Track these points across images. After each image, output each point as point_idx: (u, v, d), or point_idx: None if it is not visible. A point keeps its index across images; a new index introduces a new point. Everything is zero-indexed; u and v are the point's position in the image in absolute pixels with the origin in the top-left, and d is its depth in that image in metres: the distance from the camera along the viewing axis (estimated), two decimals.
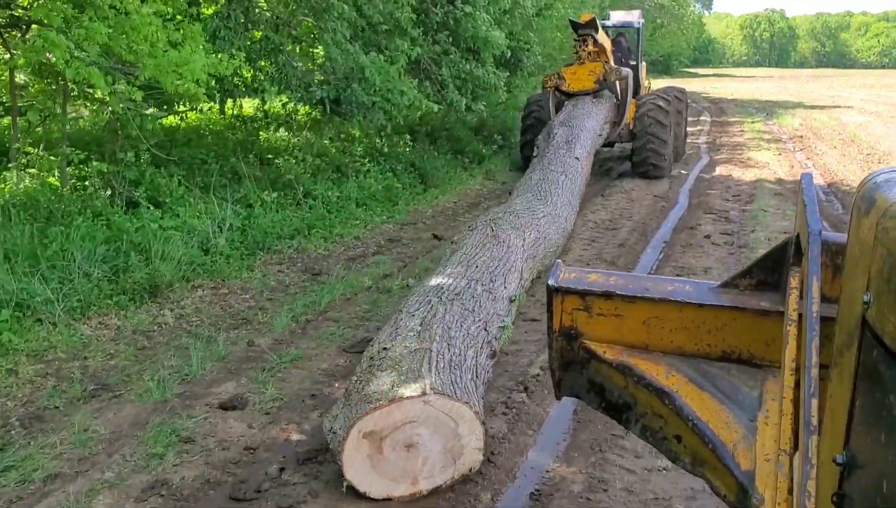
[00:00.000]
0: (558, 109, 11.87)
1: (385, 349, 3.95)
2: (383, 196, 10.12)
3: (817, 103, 33.94)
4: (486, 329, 4.47)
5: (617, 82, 12.14)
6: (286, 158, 9.64)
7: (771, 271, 2.02)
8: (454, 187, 11.67)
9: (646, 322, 2.11)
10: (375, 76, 8.68)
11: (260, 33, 8.31)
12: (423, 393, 3.50)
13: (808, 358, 1.34)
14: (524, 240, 6.24)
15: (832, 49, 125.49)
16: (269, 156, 9.58)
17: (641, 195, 11.49)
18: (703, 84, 49.60)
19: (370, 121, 9.32)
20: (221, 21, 7.97)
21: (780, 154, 16.33)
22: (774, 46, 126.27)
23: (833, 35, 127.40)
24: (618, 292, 2.12)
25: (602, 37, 12.19)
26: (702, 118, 25.51)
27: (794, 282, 1.73)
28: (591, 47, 11.94)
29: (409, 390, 3.51)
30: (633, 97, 12.57)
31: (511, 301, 5.22)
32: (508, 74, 12.25)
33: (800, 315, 1.59)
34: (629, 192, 11.70)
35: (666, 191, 11.86)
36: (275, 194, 8.52)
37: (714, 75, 75.79)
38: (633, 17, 14.85)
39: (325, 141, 10.99)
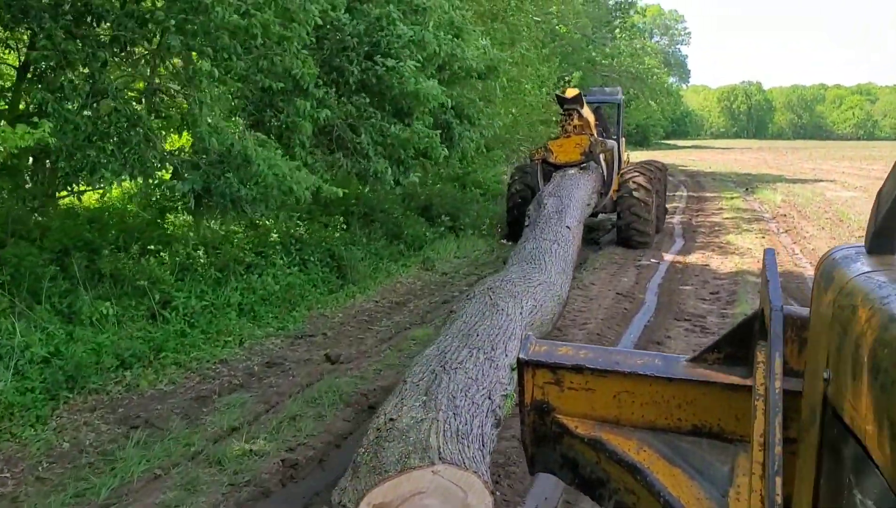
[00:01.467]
0: (546, 180, 12.11)
1: (392, 419, 3.93)
2: (281, 298, 8.18)
3: (798, 177, 32.79)
4: (490, 398, 4.43)
5: (602, 155, 12.47)
6: (150, 254, 7.70)
7: (739, 345, 2.00)
8: (379, 282, 9.77)
9: (616, 396, 2.11)
10: (261, 162, 6.81)
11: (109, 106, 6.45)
12: (433, 463, 3.51)
13: (770, 435, 1.35)
14: (522, 308, 6.20)
15: (808, 121, 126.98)
16: (121, 253, 7.57)
17: (601, 292, 9.64)
18: (680, 156, 48.78)
19: (251, 214, 7.43)
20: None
21: (762, 236, 14.63)
22: (752, 118, 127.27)
23: (809, 107, 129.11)
24: (588, 366, 2.13)
25: (586, 111, 12.71)
26: (678, 193, 24.01)
27: (760, 356, 1.73)
28: (576, 121, 12.48)
29: (418, 459, 3.52)
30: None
31: (513, 370, 5.07)
32: (448, 141, 10.49)
33: (767, 390, 1.60)
34: (587, 288, 9.85)
35: (631, 287, 10.00)
36: (117, 306, 6.54)
37: (693, 147, 75.70)
38: (614, 92, 15.43)
39: (216, 228, 9.07)
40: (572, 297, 9.23)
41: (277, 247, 9.21)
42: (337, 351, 6.96)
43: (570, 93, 12.73)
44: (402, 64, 8.60)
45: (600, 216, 13.99)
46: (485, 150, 15.64)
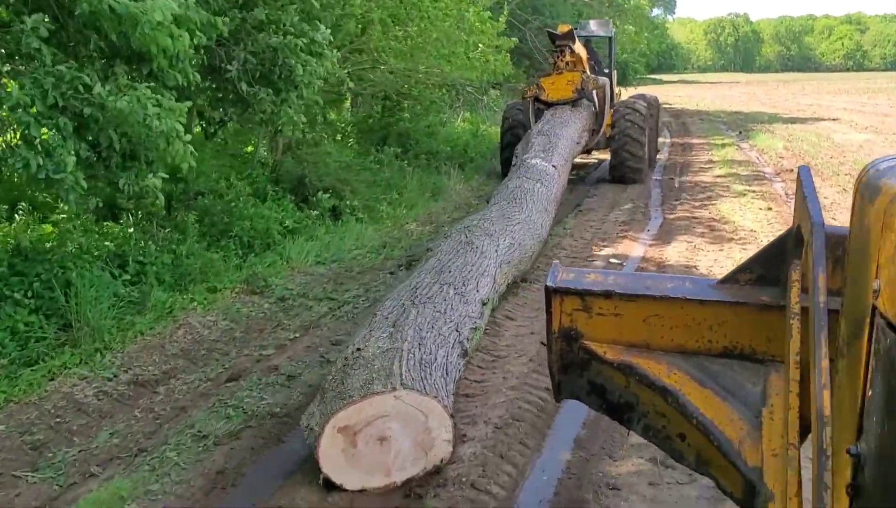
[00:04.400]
0: (537, 118, 11.97)
1: (358, 349, 4.05)
2: None
3: (796, 115, 28.79)
4: (457, 330, 4.55)
5: (595, 91, 12.37)
6: None
7: (771, 265, 1.98)
8: (139, 332, 5.83)
9: (646, 321, 2.10)
10: None
11: None
12: (394, 389, 3.66)
13: (817, 350, 1.32)
14: (498, 246, 6.29)
15: (797, 53, 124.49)
16: None
17: (527, 330, 5.81)
18: (665, 92, 44.09)
19: None
20: None
21: (768, 207, 10.73)
22: (739, 51, 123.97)
23: (797, 39, 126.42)
24: (617, 291, 2.11)
25: (578, 47, 12.51)
26: (659, 140, 20.01)
27: (795, 275, 1.73)
28: (568, 58, 12.28)
29: (381, 386, 3.67)
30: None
31: (483, 304, 5.27)
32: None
33: (803, 309, 1.61)
34: (503, 323, 6.02)
35: None
36: None
37: (679, 81, 71.47)
38: (605, 26, 15.04)
39: None
40: (499, 332, 5.46)
41: None
42: None
43: (563, 29, 12.45)
44: None
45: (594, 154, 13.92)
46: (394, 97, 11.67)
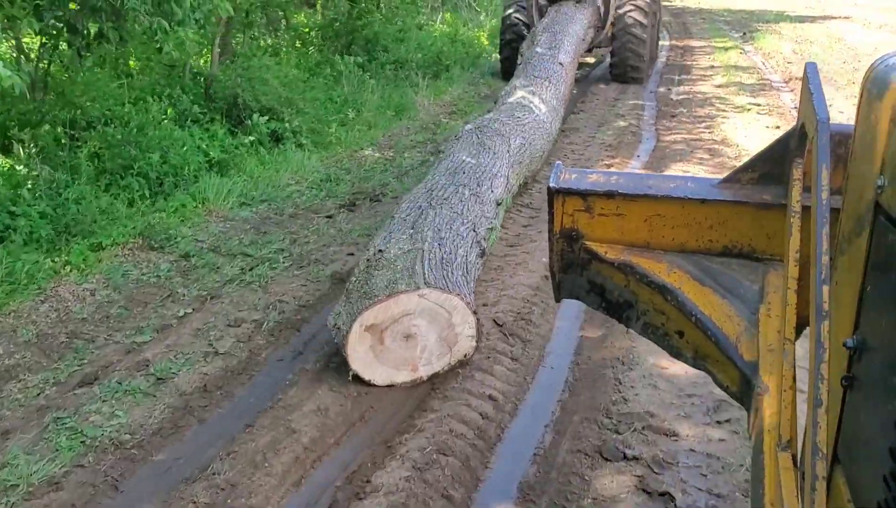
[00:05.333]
0: (541, 15, 11.68)
1: (380, 251, 4.10)
2: None
3: (804, 13, 26.73)
4: (474, 230, 4.63)
5: None
6: None
7: (773, 163, 1.98)
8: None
9: (647, 220, 2.10)
10: None
11: None
12: (418, 287, 3.72)
13: (818, 246, 1.34)
14: (510, 146, 6.27)
15: None
16: None
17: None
18: None
19: None
20: None
21: (776, 127, 9.40)
22: None
23: None
24: (620, 191, 2.10)
25: None
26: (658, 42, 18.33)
27: (797, 174, 1.73)
28: None
29: (405, 285, 3.73)
30: None
31: (498, 204, 5.34)
32: None
33: (804, 207, 1.62)
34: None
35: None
36: None
37: None
38: None
39: None
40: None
41: None
42: None
43: None
44: None
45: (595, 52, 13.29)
46: None
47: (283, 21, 14.99)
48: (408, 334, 3.76)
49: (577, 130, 9.42)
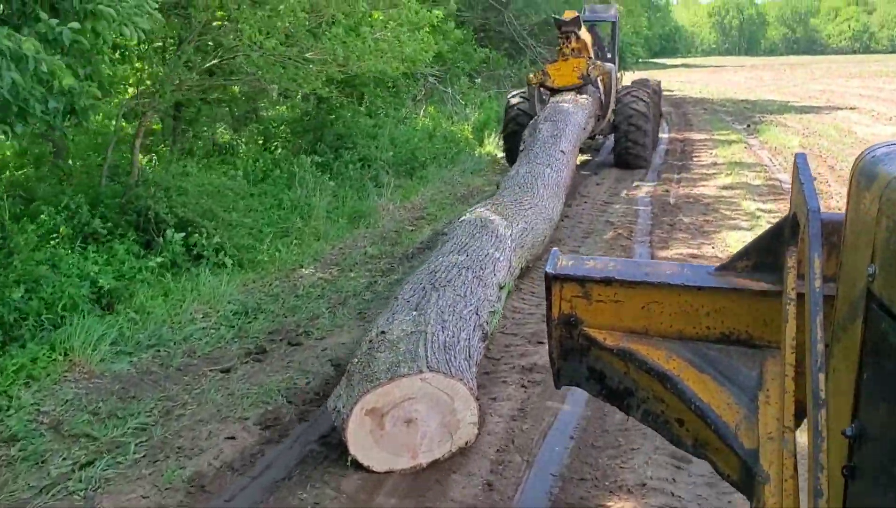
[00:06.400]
0: (543, 104, 11.92)
1: (383, 332, 4.12)
2: None
3: (808, 103, 25.98)
4: (477, 313, 4.63)
5: (600, 78, 12.33)
6: None
7: (767, 251, 2.02)
8: None
9: (645, 307, 2.12)
10: None
11: None
12: (421, 371, 3.71)
13: (813, 334, 1.35)
14: (512, 230, 6.39)
15: (802, 35, 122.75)
16: None
17: None
18: (667, 77, 40.97)
19: None
20: None
21: None
22: (744, 33, 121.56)
23: (803, 21, 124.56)
24: (617, 278, 2.13)
25: (584, 33, 12.52)
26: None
27: (791, 261, 1.78)
28: (574, 44, 12.29)
29: (407, 368, 3.72)
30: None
31: (500, 288, 5.40)
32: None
33: (799, 294, 1.65)
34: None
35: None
36: None
37: (682, 66, 68.48)
38: (609, 11, 15.19)
39: None
40: None
41: None
42: None
43: (568, 15, 12.51)
44: None
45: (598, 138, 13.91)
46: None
47: (254, 114, 14.03)
48: (409, 418, 3.71)
49: (560, 242, 8.09)
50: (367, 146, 11.46)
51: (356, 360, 4.02)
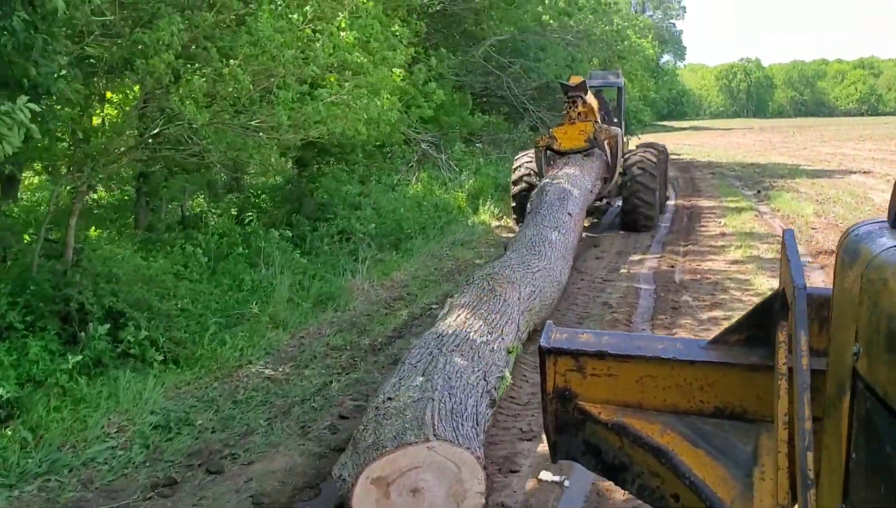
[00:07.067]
0: (550, 167, 12.00)
1: (389, 398, 4.09)
2: None
3: (820, 167, 25.22)
4: (485, 379, 4.60)
5: (606, 141, 12.46)
6: None
7: (759, 325, 2.01)
8: None
9: (639, 381, 2.11)
10: None
11: None
12: (428, 439, 3.66)
13: (800, 411, 1.35)
14: (520, 294, 6.38)
15: (810, 97, 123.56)
16: None
17: None
18: (674, 141, 40.49)
19: None
20: None
21: None
22: (752, 96, 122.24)
23: (810, 84, 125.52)
24: (611, 352, 2.13)
25: (590, 97, 12.72)
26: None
27: (781, 336, 1.77)
28: (580, 108, 12.39)
29: (413, 436, 3.67)
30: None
31: (508, 352, 5.36)
32: None
33: (789, 369, 1.64)
34: None
35: None
36: None
37: (690, 128, 68.33)
38: (615, 76, 15.54)
39: None
40: None
41: None
42: None
43: (575, 80, 12.73)
44: None
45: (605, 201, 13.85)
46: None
47: (235, 182, 13.35)
48: (415, 488, 3.61)
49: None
50: (347, 217, 10.66)
51: (362, 427, 3.98)
